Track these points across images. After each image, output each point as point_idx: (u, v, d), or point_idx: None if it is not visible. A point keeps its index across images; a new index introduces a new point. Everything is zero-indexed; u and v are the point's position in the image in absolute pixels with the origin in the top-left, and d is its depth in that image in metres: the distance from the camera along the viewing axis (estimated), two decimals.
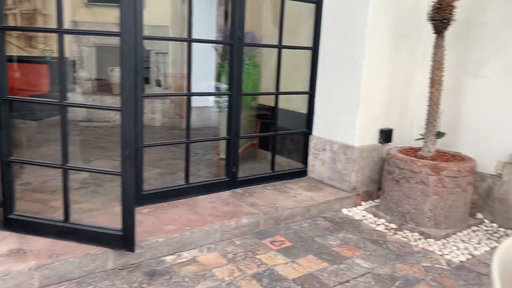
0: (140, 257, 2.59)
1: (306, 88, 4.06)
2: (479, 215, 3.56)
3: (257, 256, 2.73)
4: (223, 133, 3.61)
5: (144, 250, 2.60)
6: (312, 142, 4.08)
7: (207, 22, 6.16)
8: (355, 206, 3.71)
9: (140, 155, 3.06)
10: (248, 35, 3.92)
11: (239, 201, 3.34)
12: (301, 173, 4.11)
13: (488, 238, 3.22)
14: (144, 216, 2.97)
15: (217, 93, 4.15)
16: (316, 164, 4.04)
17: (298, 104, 4.27)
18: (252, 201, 3.35)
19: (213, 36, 5.90)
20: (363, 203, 3.78)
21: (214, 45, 4.72)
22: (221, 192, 3.47)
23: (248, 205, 3.26)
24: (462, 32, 3.64)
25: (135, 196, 3.07)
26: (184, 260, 2.65)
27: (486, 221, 3.50)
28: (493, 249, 3.04)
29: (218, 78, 3.91)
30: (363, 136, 3.72)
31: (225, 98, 3.64)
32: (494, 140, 3.49)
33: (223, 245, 2.87)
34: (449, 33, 3.34)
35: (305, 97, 4.10)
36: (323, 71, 3.94)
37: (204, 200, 3.30)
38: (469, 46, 3.63)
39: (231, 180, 3.56)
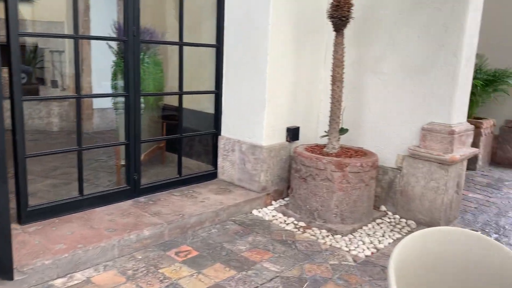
0: (23, 283, 2.27)
1: (212, 87, 3.92)
2: (383, 208, 3.68)
3: (160, 270, 2.54)
4: (123, 137, 3.34)
5: (27, 275, 2.28)
6: (221, 143, 3.95)
7: (108, 18, 5.77)
8: (265, 206, 3.65)
9: (22, 166, 2.70)
10: (147, 32, 3.68)
11: (141, 211, 3.11)
12: (211, 175, 3.96)
13: (391, 230, 3.32)
14: (30, 235, 2.63)
15: (112, 94, 3.85)
16: (226, 166, 3.92)
17: (206, 104, 4.12)
18: (156, 210, 3.13)
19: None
20: (273, 202, 3.73)
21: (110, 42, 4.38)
22: (122, 202, 3.21)
23: (151, 215, 3.04)
24: (360, 30, 3.72)
25: (18, 213, 2.73)
26: (76, 282, 2.37)
27: (389, 213, 3.63)
28: (396, 240, 3.14)
29: (114, 78, 3.62)
30: (270, 135, 3.67)
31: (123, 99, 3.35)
32: (394, 134, 3.62)
33: (122, 261, 2.63)
34: (349, 31, 3.39)
35: (212, 97, 3.95)
36: (228, 70, 3.82)
37: (102, 213, 3.02)
38: (367, 43, 3.73)
39: (132, 189, 3.31)
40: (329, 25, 3.41)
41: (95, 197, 3.10)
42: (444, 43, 3.28)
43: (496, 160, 5.74)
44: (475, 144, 4.83)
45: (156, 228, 2.86)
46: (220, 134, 3.95)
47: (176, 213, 3.11)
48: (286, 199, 3.80)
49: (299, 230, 3.23)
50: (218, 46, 3.81)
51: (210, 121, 4.00)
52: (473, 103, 5.05)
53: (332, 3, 3.28)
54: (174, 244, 2.88)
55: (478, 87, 4.97)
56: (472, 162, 5.21)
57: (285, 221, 3.38)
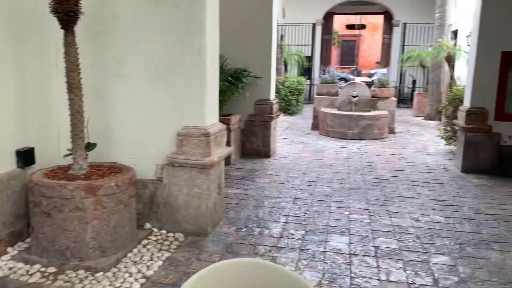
0: None
1: None
2: (148, 225, 3.33)
3: None
4: None
5: None
6: None
7: None
8: None
9: None
10: None
11: None
12: None
13: (160, 250, 3.00)
14: None
15: None
16: None
17: None
18: None
19: None
20: (9, 249, 2.88)
21: None
22: None
23: None
24: (98, 27, 3.23)
25: None
26: None
27: (155, 229, 3.30)
28: (166, 261, 2.83)
29: None
30: None
31: None
32: (149, 143, 3.30)
33: None
34: (83, 29, 2.88)
35: None
36: None
37: None
38: (107, 43, 3.26)
39: None
40: (56, 22, 2.78)
41: None
42: (188, 42, 3.12)
43: (245, 152, 6.16)
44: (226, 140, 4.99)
45: None
46: None
47: None
48: (28, 240, 3.00)
49: (48, 279, 2.56)
50: None
51: None
52: (220, 102, 5.21)
53: None
54: None
55: (223, 86, 5.14)
56: (226, 158, 5.41)
57: (28, 271, 2.64)
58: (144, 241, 3.10)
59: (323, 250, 3.08)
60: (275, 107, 6.30)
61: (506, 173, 5.24)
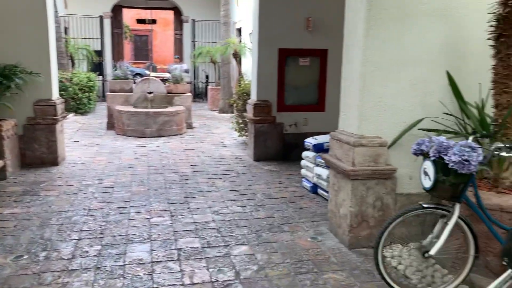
0: None
1: None
2: None
3: None
4: None
5: None
6: None
7: None
8: None
9: None
10: None
11: None
12: None
13: None
14: None
15: None
16: None
17: None
18: None
19: None
20: None
21: None
22: None
23: None
24: None
25: None
26: None
27: None
28: None
29: None
30: None
31: None
32: None
33: None
34: None
35: None
36: None
37: None
38: None
39: None
40: None
41: None
42: None
43: (26, 162, 5.28)
44: None
45: None
46: None
47: None
48: None
49: None
50: None
51: None
52: None
53: None
54: None
55: None
56: (0, 171, 4.55)
57: None
58: None
59: (123, 264, 2.82)
60: (60, 108, 5.59)
61: (289, 158, 5.85)
